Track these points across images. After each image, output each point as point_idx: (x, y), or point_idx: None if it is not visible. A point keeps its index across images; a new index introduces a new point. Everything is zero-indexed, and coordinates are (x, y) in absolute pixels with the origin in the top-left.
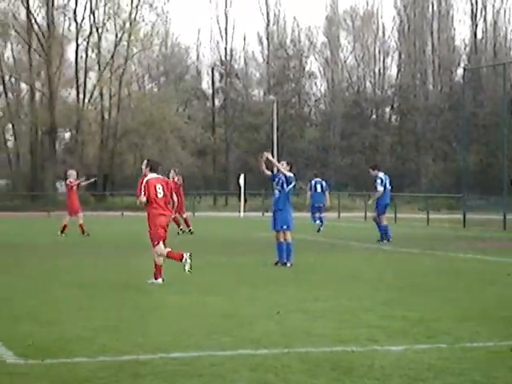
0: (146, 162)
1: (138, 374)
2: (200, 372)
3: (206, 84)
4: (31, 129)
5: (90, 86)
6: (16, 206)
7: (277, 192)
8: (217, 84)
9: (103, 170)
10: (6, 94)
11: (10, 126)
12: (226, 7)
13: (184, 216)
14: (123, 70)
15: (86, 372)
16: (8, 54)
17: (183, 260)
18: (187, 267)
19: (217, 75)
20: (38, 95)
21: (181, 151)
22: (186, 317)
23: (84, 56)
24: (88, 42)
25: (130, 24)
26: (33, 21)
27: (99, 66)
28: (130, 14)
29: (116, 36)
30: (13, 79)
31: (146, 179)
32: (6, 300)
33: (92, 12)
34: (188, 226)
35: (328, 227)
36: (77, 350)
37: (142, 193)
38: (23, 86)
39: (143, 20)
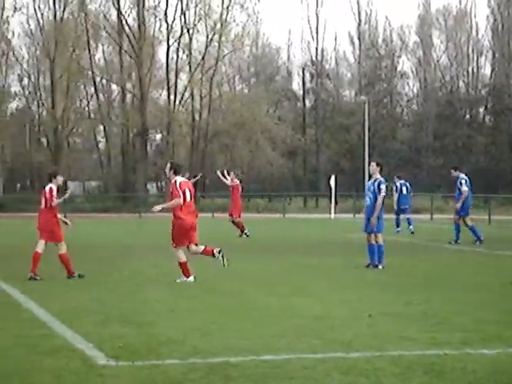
0: (169, 164)
1: (229, 376)
2: (291, 375)
3: (296, 85)
4: (122, 130)
5: (180, 88)
6: (107, 207)
7: (368, 200)
8: (307, 84)
9: (194, 172)
10: (97, 95)
11: (102, 127)
12: (317, 7)
13: (237, 220)
14: (214, 71)
15: (176, 374)
16: (99, 55)
17: (187, 277)
18: (178, 280)
19: (307, 76)
20: (129, 97)
21: (271, 152)
22: (277, 319)
23: (175, 57)
24: (179, 43)
25: (221, 25)
26: (124, 22)
27: (190, 67)
28: (221, 14)
29: (207, 37)
30: (104, 81)
31: (178, 182)
32: (98, 301)
33: (183, 13)
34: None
35: (421, 229)
36: (167, 351)
37: (181, 194)
38: (114, 87)
39: (234, 21)
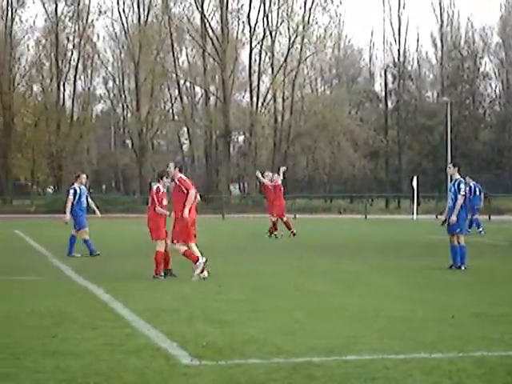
0: (172, 164)
1: (312, 376)
2: (373, 375)
3: (378, 86)
4: (206, 132)
5: (263, 90)
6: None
7: (450, 201)
8: (390, 86)
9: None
10: (181, 98)
11: (185, 129)
12: (399, 9)
13: (284, 219)
14: (296, 73)
15: (259, 374)
16: (183, 58)
17: (197, 263)
18: (197, 272)
19: (390, 77)
20: (212, 99)
21: (353, 153)
22: (360, 319)
23: (257, 59)
24: (261, 46)
25: (303, 27)
26: (207, 25)
27: (272, 69)
28: (303, 16)
29: (289, 39)
30: (188, 83)
31: (184, 178)
32: (181, 300)
33: (265, 15)
34: (289, 228)
35: (503, 230)
36: (250, 351)
37: (193, 188)
38: (198, 89)
39: (316, 23)
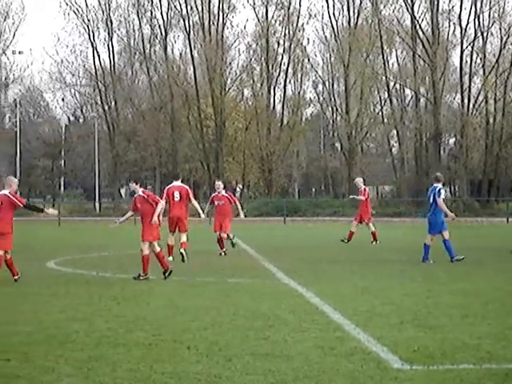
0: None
1: None
2: None
3: None
4: (415, 135)
5: (474, 91)
6: (401, 211)
7: None
8: None
9: (488, 176)
10: (390, 100)
11: (395, 132)
12: None
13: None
14: (508, 73)
15: (471, 379)
16: (393, 60)
17: None
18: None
19: None
20: (422, 101)
21: None
22: None
23: (468, 61)
24: (473, 47)
25: None
26: (417, 27)
27: (484, 70)
28: None
29: (501, 40)
30: (397, 85)
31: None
32: (391, 305)
33: (477, 16)
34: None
35: None
36: (462, 356)
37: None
38: (407, 92)
39: None
